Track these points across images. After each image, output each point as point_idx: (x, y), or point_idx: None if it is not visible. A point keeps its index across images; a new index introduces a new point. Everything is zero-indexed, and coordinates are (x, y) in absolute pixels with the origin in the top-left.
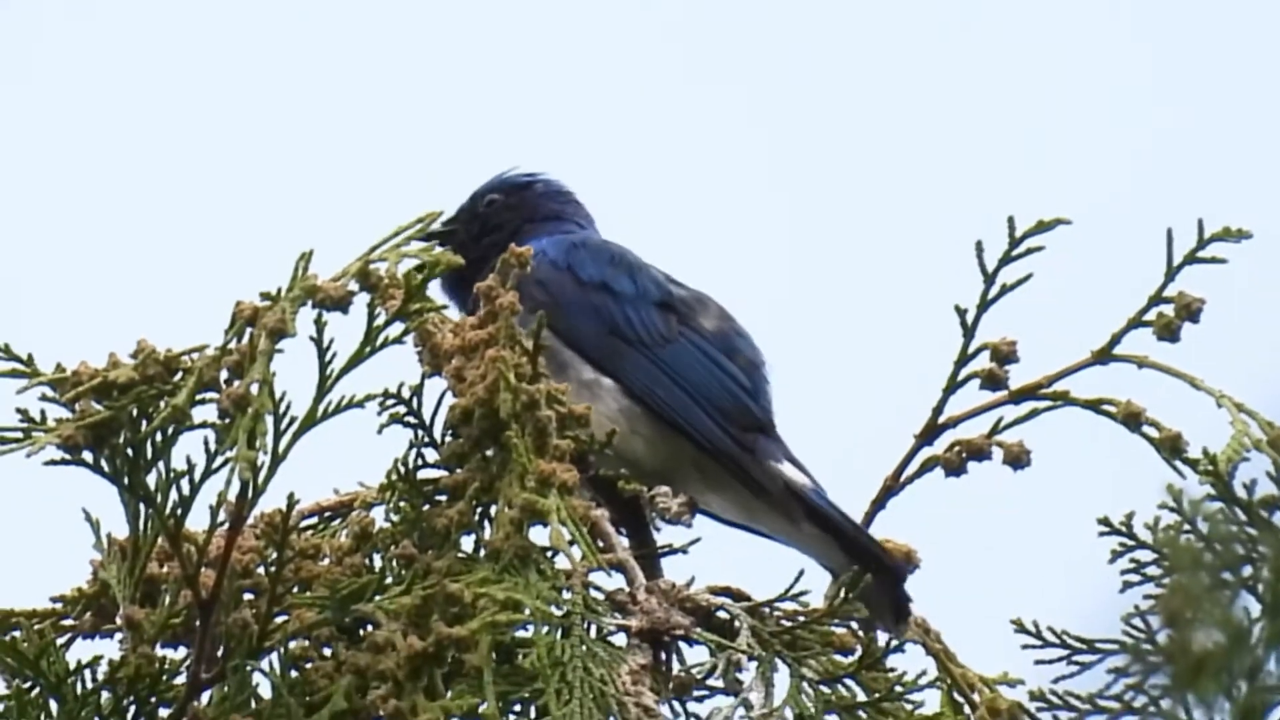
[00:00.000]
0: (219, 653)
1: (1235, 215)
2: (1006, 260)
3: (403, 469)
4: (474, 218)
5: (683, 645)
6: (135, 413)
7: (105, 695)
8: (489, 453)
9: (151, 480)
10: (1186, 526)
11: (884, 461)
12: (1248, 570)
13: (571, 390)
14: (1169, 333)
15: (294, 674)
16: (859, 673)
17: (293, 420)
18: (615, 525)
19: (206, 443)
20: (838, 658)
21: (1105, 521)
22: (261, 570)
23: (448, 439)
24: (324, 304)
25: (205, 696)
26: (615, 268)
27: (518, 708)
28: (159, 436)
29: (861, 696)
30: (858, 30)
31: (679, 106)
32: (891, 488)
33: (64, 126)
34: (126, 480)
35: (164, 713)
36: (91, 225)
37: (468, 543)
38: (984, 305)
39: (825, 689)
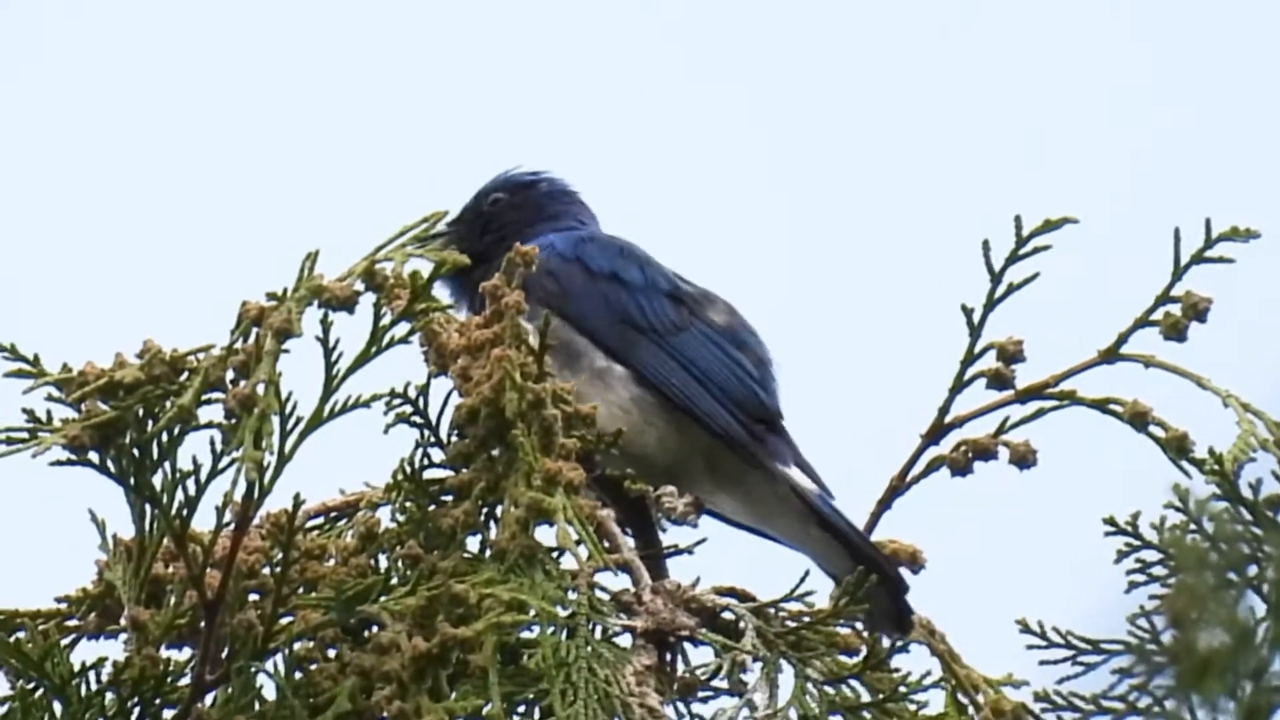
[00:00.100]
0: (224, 654)
1: (1243, 215)
2: (1013, 259)
3: (408, 469)
4: (478, 216)
5: (688, 646)
6: (141, 413)
7: (110, 696)
8: (495, 452)
9: (157, 480)
10: (1192, 526)
11: (890, 461)
12: (1253, 570)
13: (584, 379)
14: (1176, 332)
15: (299, 675)
16: (864, 673)
17: (299, 420)
18: (621, 525)
19: (212, 443)
20: (842, 658)
21: (1111, 521)
22: (267, 571)
23: (453, 439)
24: (330, 304)
25: (210, 698)
26: (624, 259)
27: (522, 708)
28: (165, 437)
29: (866, 697)
30: (861, 30)
31: (683, 105)
32: (897, 487)
33: (70, 126)
34: (132, 480)
35: (168, 714)
36: (97, 225)
37: (473, 543)
38: (990, 304)
39: (830, 690)
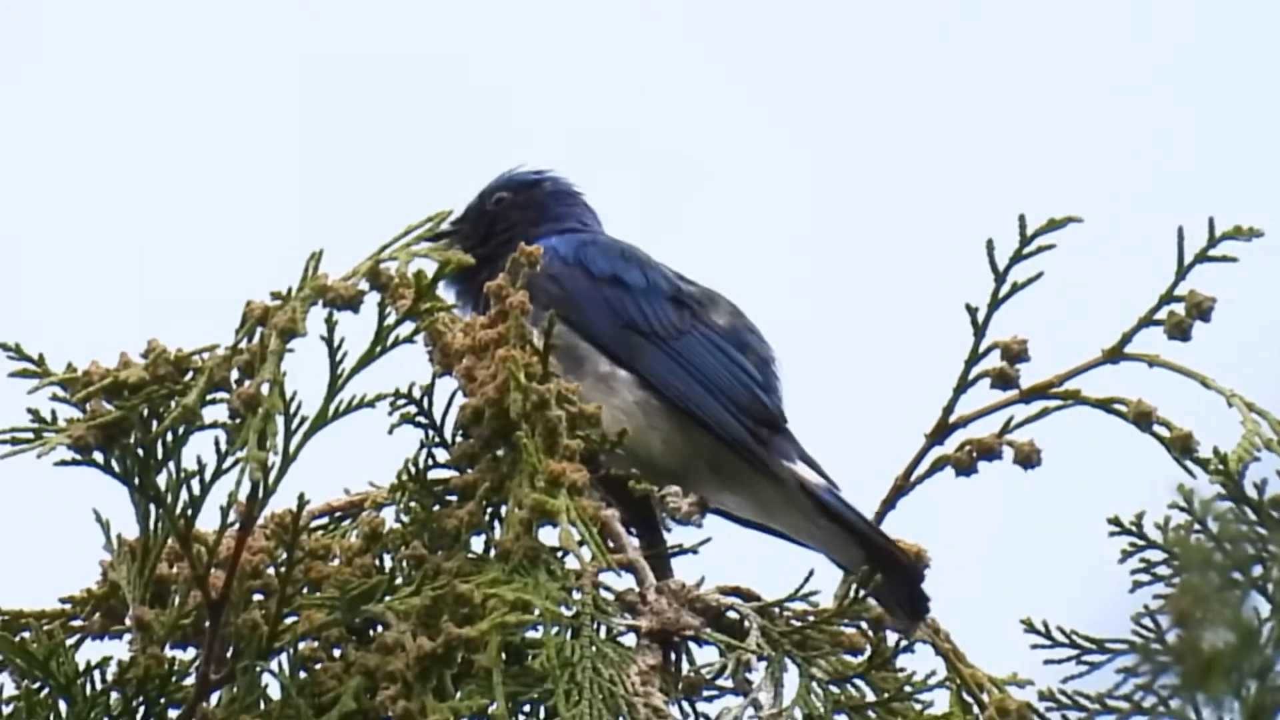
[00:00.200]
0: (228, 654)
1: (1247, 213)
2: (1017, 258)
3: (413, 469)
4: (482, 216)
5: (692, 645)
6: (146, 413)
7: (114, 696)
8: (499, 453)
9: (162, 480)
10: (1197, 526)
11: (894, 461)
12: (1258, 570)
13: (588, 383)
14: (1180, 331)
15: (303, 675)
16: (868, 673)
17: (303, 420)
18: (625, 525)
19: (217, 443)
20: (847, 658)
21: (1115, 521)
22: (271, 571)
23: (458, 439)
24: (334, 303)
25: (214, 697)
26: (626, 262)
27: (527, 708)
28: (169, 436)
29: (871, 696)
30: (863, 30)
31: (686, 105)
32: (902, 487)
33: (74, 126)
34: (137, 480)
35: (173, 714)
36: (102, 225)
37: (478, 543)
38: (995, 304)
39: (834, 689)
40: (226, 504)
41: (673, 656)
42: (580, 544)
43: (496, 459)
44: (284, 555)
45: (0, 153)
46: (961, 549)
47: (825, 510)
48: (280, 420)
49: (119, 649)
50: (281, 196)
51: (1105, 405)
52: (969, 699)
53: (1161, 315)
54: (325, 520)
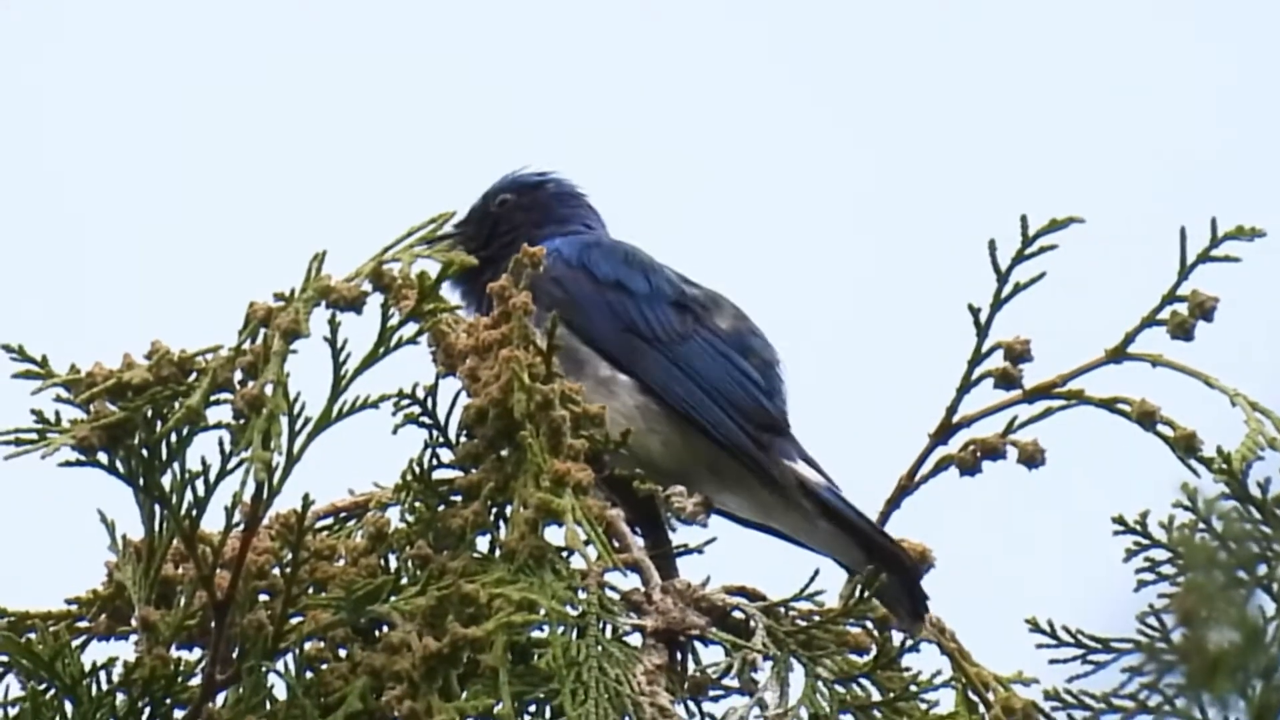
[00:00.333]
0: (234, 654)
1: (1249, 213)
2: (1020, 259)
3: (418, 469)
4: (486, 217)
5: (698, 645)
6: (150, 414)
7: (120, 697)
8: (504, 453)
9: (166, 481)
10: (1201, 525)
11: (899, 460)
12: (1262, 569)
13: (588, 387)
14: (1183, 331)
15: (309, 675)
16: (874, 672)
17: (307, 421)
18: (630, 525)
19: (221, 444)
20: (853, 657)
21: (1120, 520)
22: (276, 571)
23: (462, 439)
24: (338, 304)
25: (220, 698)
26: (629, 266)
27: (533, 708)
28: (174, 437)
29: (876, 696)
30: (865, 30)
31: (687, 104)
32: (906, 487)
33: (76, 126)
34: (141, 481)
35: (179, 714)
36: (105, 226)
37: (483, 543)
38: (997, 304)
39: (840, 688)
40: (231, 505)
41: (678, 656)
42: (586, 543)
43: (501, 459)
44: (289, 556)
45: (3, 152)
46: (966, 548)
47: (826, 510)
48: (284, 421)
49: (125, 650)
50: (285, 198)
51: (1109, 405)
52: (974, 698)
53: (1165, 315)
54: (330, 521)
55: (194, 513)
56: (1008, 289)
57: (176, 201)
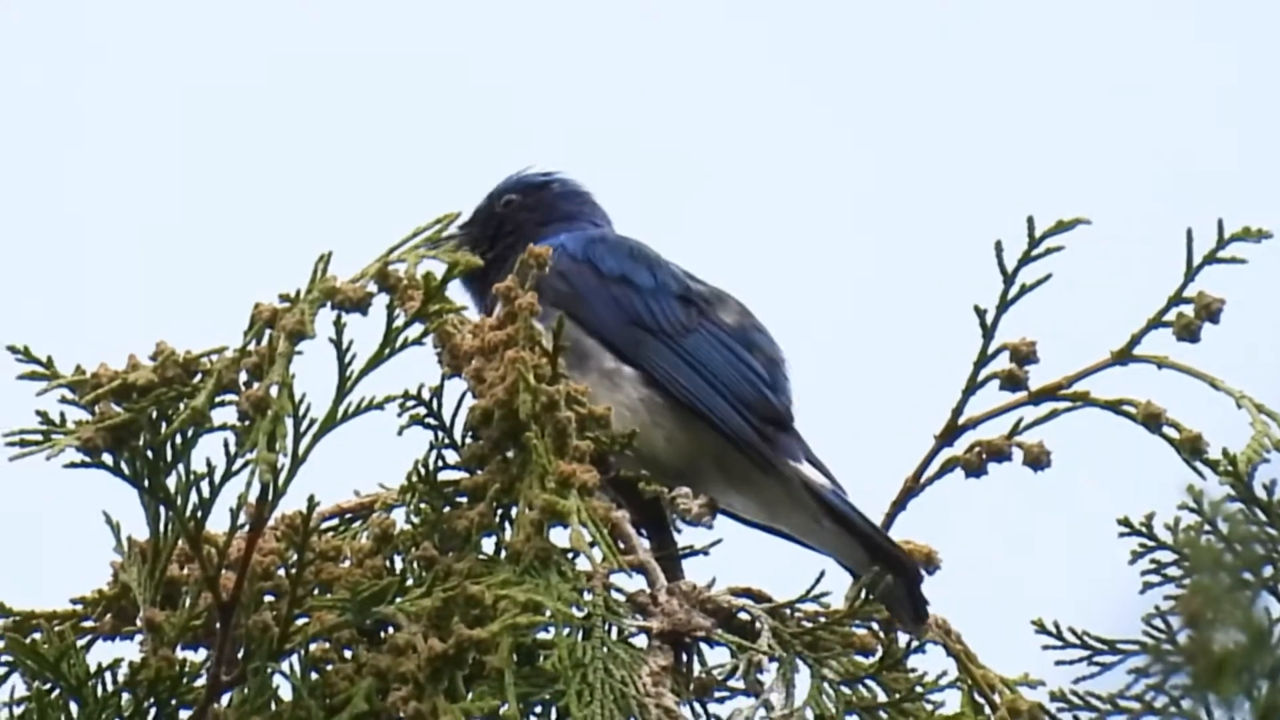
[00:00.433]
0: (239, 655)
1: (1250, 213)
2: (1026, 260)
3: (423, 471)
4: (491, 218)
5: (704, 646)
6: (155, 415)
7: (126, 697)
8: (509, 454)
9: (171, 482)
10: (1207, 527)
11: (904, 462)
12: (1268, 570)
13: (593, 380)
14: (1189, 333)
15: (314, 676)
16: (880, 673)
17: (312, 422)
18: (636, 526)
19: (226, 445)
20: (858, 658)
21: (1125, 522)
22: (282, 572)
23: (468, 440)
24: (343, 305)
25: (225, 699)
26: (634, 261)
27: (539, 709)
28: (179, 439)
29: (882, 697)
30: (867, 31)
31: (689, 104)
32: (912, 488)
33: (79, 127)
34: (146, 482)
35: (184, 715)
36: (110, 227)
37: (488, 544)
38: (1003, 306)
39: (846, 690)
40: (236, 506)
41: (684, 658)
42: (591, 545)
43: (506, 460)
44: (294, 557)
45: (9, 154)
46: (972, 550)
47: (830, 511)
48: (289, 422)
49: (130, 650)
50: (289, 199)
51: (1114, 407)
52: (980, 700)
53: (1170, 317)
54: (335, 522)
55: (199, 514)
56: (1014, 291)
57: (180, 202)
